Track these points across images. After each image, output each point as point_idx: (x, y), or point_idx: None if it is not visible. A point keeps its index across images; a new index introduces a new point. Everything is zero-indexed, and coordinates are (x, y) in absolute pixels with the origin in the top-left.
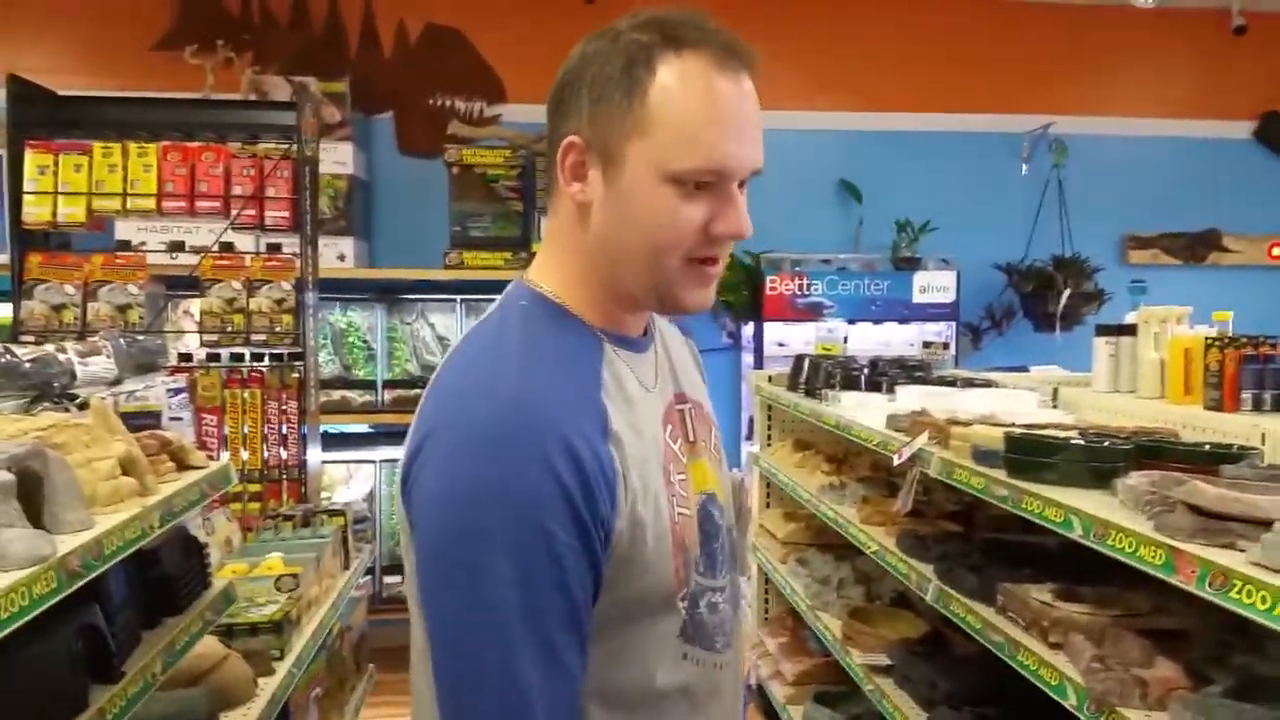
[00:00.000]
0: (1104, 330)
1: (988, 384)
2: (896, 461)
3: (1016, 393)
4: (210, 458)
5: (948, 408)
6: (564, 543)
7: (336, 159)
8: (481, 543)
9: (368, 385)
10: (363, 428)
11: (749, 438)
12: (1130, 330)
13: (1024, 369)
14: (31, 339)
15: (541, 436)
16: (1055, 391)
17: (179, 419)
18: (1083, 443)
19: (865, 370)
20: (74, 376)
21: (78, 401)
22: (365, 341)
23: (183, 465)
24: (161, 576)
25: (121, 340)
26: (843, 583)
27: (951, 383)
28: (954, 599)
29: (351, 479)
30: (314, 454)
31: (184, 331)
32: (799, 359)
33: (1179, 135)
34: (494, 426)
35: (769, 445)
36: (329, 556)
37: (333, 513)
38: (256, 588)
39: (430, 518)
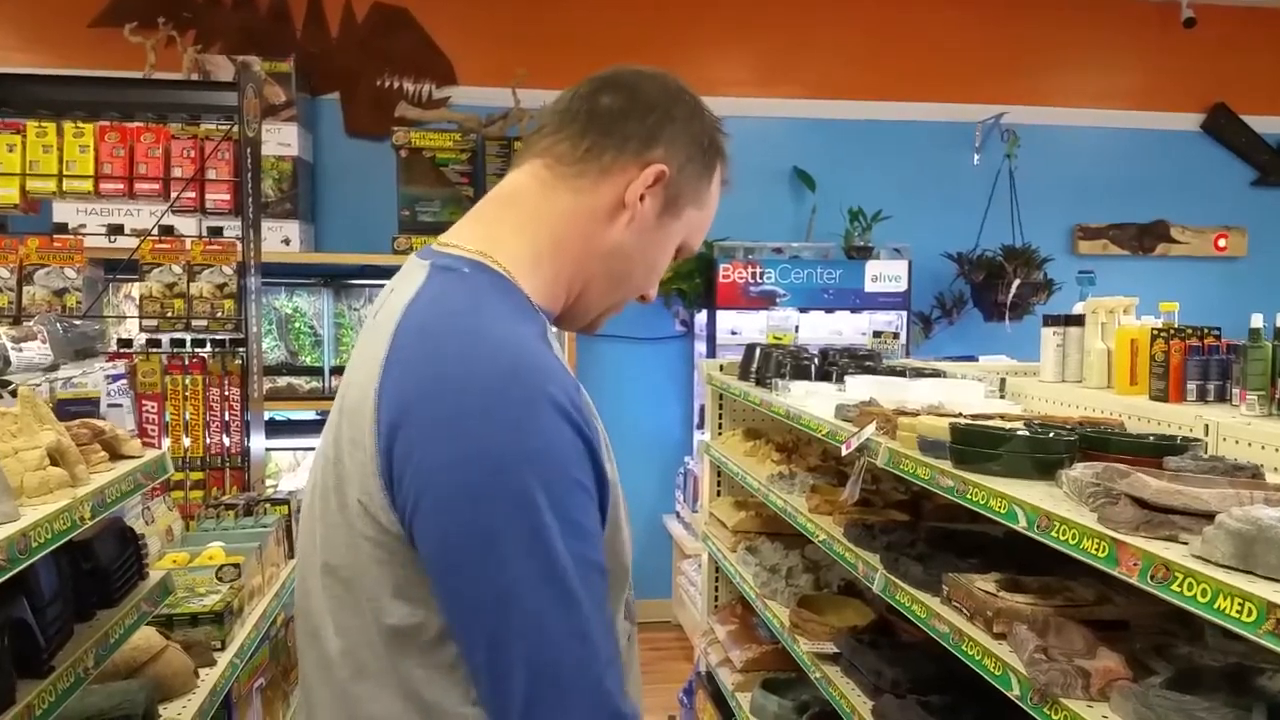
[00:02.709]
0: (1051, 320)
1: (936, 374)
2: (844, 451)
3: (964, 383)
4: (150, 445)
5: (896, 398)
6: (591, 494)
7: (281, 140)
8: (524, 502)
9: (314, 372)
10: (310, 414)
11: (700, 426)
12: (1078, 320)
13: (973, 358)
14: None
15: (550, 389)
16: (1003, 382)
17: (118, 406)
18: (1027, 434)
19: (815, 360)
20: (8, 363)
21: (10, 388)
22: (312, 327)
23: (116, 454)
24: (94, 569)
25: (58, 325)
26: (791, 571)
27: (901, 373)
28: (900, 588)
29: (298, 466)
30: (257, 441)
31: (123, 316)
32: (750, 348)
33: (1129, 127)
34: (501, 381)
35: (719, 434)
36: (271, 546)
37: (276, 501)
38: (197, 577)
39: (457, 490)
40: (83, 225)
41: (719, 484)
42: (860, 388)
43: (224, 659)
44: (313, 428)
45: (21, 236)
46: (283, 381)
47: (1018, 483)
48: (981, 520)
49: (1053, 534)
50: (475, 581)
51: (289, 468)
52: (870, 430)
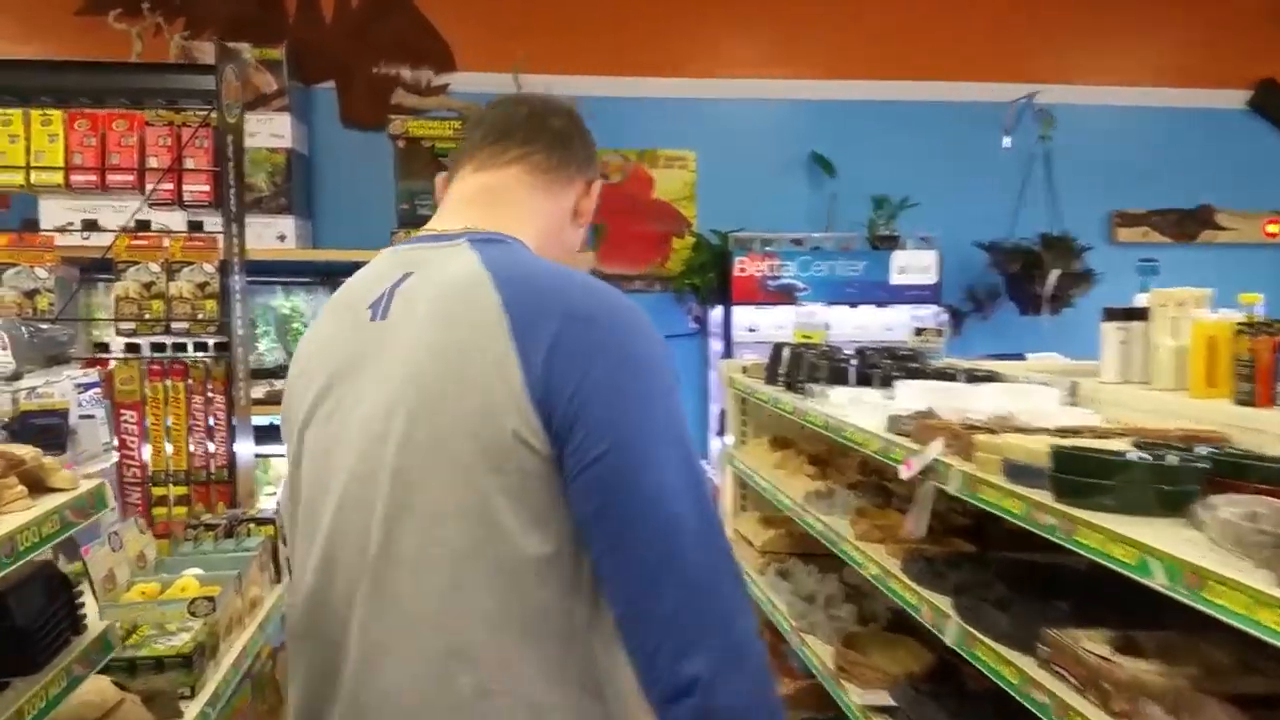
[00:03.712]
0: (1113, 314)
1: (991, 377)
2: (905, 474)
3: (1032, 388)
4: (130, 458)
5: (957, 407)
6: None
7: (274, 131)
8: (674, 400)
9: None
10: None
11: (720, 433)
12: (1141, 314)
13: (1019, 356)
14: None
15: None
16: (1075, 387)
17: (90, 417)
18: (1149, 460)
19: (854, 361)
20: None
21: None
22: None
23: (43, 488)
24: (9, 629)
25: (23, 329)
26: (831, 600)
27: (951, 376)
28: (981, 643)
29: None
30: (244, 452)
31: (93, 319)
32: (778, 348)
33: (1170, 105)
34: (629, 308)
35: (743, 442)
36: (254, 571)
37: (261, 521)
38: (168, 612)
39: (626, 393)
40: (71, 223)
41: (743, 498)
42: (912, 395)
43: (193, 709)
44: None
45: None
46: (280, 384)
47: (1137, 521)
48: (1057, 546)
49: (1207, 596)
50: (651, 484)
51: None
52: (937, 449)
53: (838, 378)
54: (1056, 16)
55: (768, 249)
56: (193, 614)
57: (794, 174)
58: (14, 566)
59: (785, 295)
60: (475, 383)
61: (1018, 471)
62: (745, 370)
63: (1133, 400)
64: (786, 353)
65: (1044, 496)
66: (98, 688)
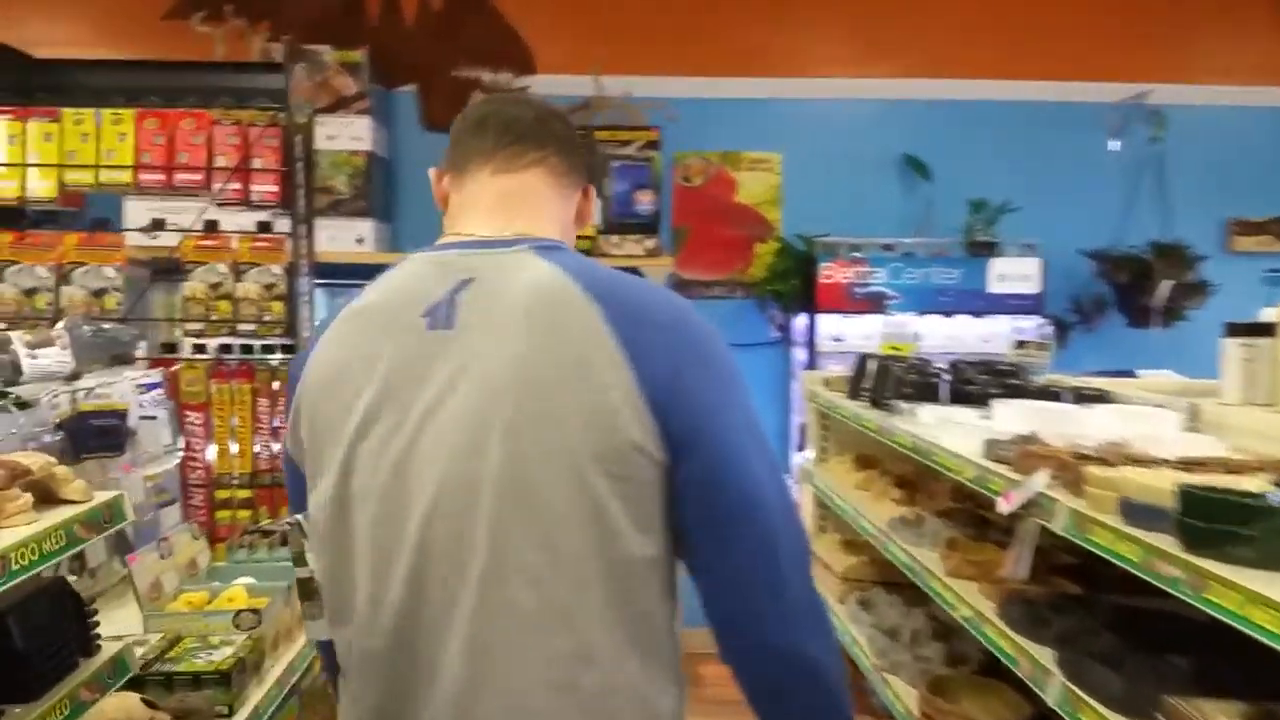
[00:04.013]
0: (1237, 330)
1: (1101, 396)
2: (1003, 508)
3: (1147, 410)
4: (194, 460)
5: (1065, 432)
6: None
7: (353, 134)
8: (752, 410)
9: None
10: None
11: (801, 448)
12: (1269, 330)
13: (1129, 373)
14: (3, 326)
15: None
16: (1195, 409)
17: (151, 418)
18: None
19: (947, 377)
20: (19, 371)
21: (14, 399)
22: None
23: (54, 500)
24: (4, 652)
25: (85, 328)
26: (917, 637)
27: (1056, 394)
28: (1088, 706)
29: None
30: None
31: (156, 319)
32: (862, 360)
33: None
34: (703, 321)
35: (824, 460)
36: None
37: None
38: (212, 624)
39: (723, 401)
40: (165, 219)
41: (823, 519)
42: (1013, 416)
43: None
44: None
45: (60, 231)
46: None
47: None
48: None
49: None
50: (745, 476)
51: None
52: (1041, 482)
53: (928, 394)
54: (1169, 11)
55: (855, 255)
56: (237, 627)
57: (885, 177)
58: (11, 585)
59: (874, 303)
60: (587, 392)
61: (1136, 512)
62: (827, 383)
63: (1261, 426)
64: (872, 365)
65: (1168, 543)
66: (124, 705)
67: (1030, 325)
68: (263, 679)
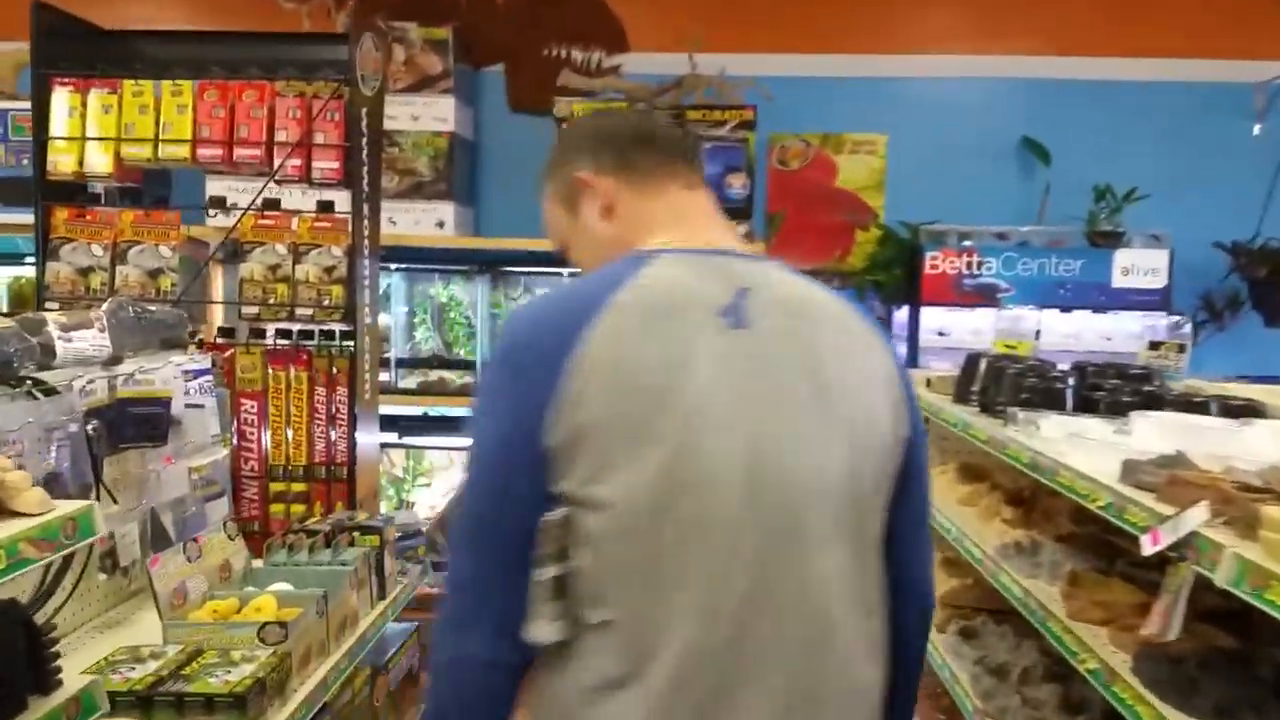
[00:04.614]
0: None
1: (1252, 408)
2: (1149, 549)
3: None
4: (248, 451)
5: (1219, 453)
6: None
7: (436, 114)
8: None
9: (468, 365)
10: (463, 411)
11: None
12: None
13: (1274, 379)
14: (57, 306)
15: None
16: None
17: (198, 406)
18: None
19: (1071, 380)
20: (52, 355)
21: (30, 385)
22: (467, 318)
23: (3, 512)
24: None
25: (130, 310)
26: (1028, 676)
27: (1204, 405)
28: None
29: (451, 465)
30: (367, 446)
31: (208, 302)
32: (972, 360)
33: None
34: None
35: None
36: (347, 590)
37: (366, 529)
38: (236, 636)
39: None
40: (216, 200)
41: None
42: (1154, 432)
43: None
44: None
45: (116, 209)
46: (434, 375)
47: None
48: None
49: None
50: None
51: (443, 466)
52: (1198, 518)
53: (1051, 401)
54: None
55: (966, 244)
56: (262, 640)
57: (1000, 161)
58: None
59: (984, 296)
60: (885, 393)
61: None
62: (930, 384)
63: None
64: (983, 365)
65: None
66: None
67: (1160, 323)
68: (287, 700)
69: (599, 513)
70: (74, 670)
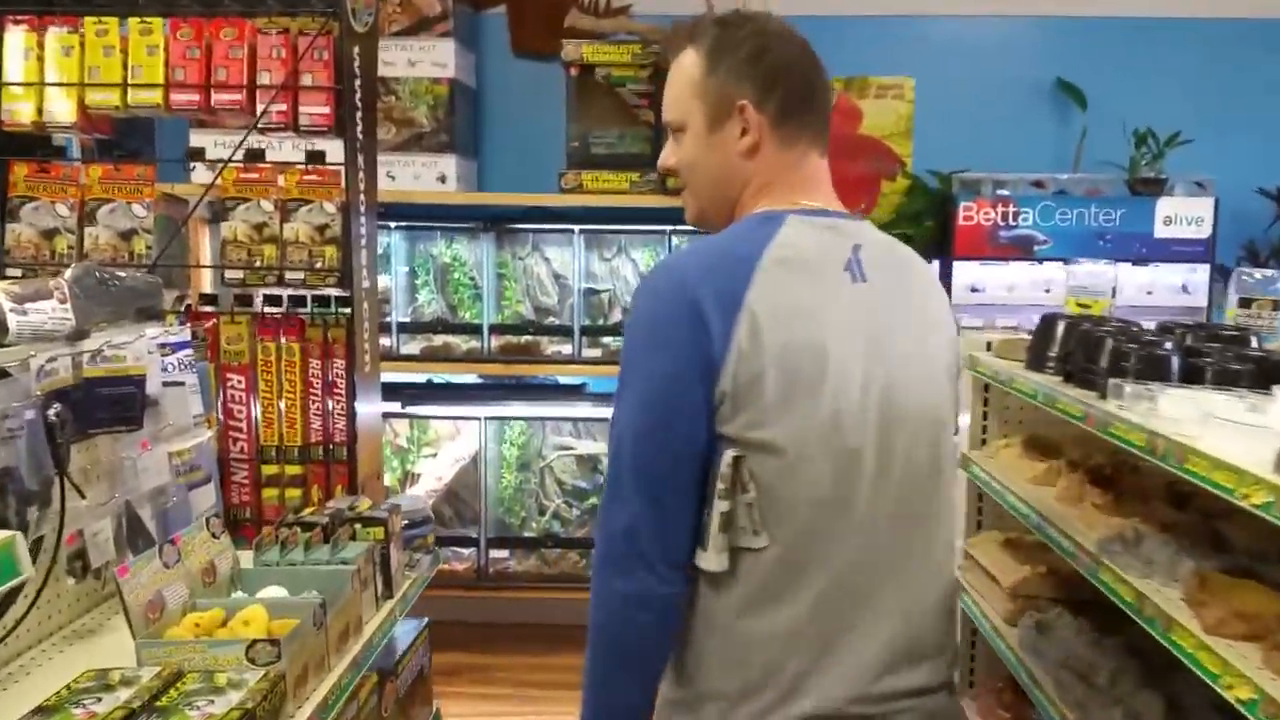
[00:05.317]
0: None
1: None
2: None
3: None
4: (237, 431)
5: None
6: None
7: (435, 59)
8: None
9: (474, 330)
10: (470, 378)
11: None
12: None
13: None
14: (19, 272)
15: None
16: None
17: (178, 384)
18: None
19: (1168, 346)
20: (3, 330)
21: None
22: (472, 279)
23: None
24: None
25: (97, 277)
26: (1118, 679)
27: None
28: None
29: (458, 435)
30: (368, 420)
31: (185, 266)
32: (1049, 321)
33: None
34: None
35: (982, 442)
36: (350, 592)
37: (370, 521)
38: (220, 657)
39: None
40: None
41: (980, 514)
42: None
43: None
44: (475, 393)
45: (80, 163)
46: (439, 340)
47: None
48: None
49: None
50: None
51: (449, 436)
52: None
53: (1154, 371)
54: None
55: (1001, 193)
56: (252, 661)
57: (1034, 105)
58: None
59: (1021, 249)
60: (947, 337)
61: None
62: (992, 347)
63: None
64: (1062, 328)
65: None
66: None
67: (1198, 274)
68: None
69: (767, 454)
70: (34, 697)
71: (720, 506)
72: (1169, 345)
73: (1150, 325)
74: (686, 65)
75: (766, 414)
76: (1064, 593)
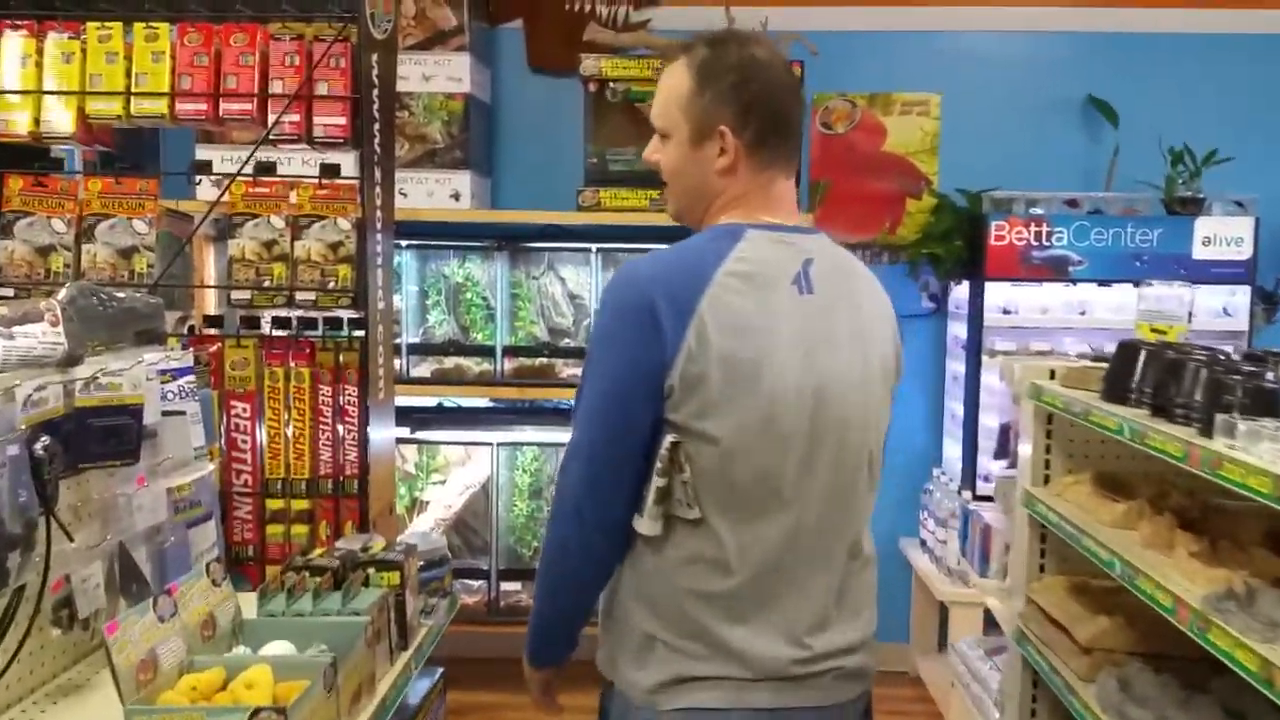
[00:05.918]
0: None
1: None
2: None
3: None
4: (241, 463)
5: None
6: None
7: (450, 74)
8: None
9: (486, 352)
10: (482, 401)
11: (1000, 456)
12: None
13: None
14: (10, 292)
15: None
16: None
17: (178, 413)
18: None
19: (1270, 377)
20: None
21: None
22: (485, 299)
23: None
24: None
25: (92, 298)
26: None
27: None
28: None
29: (469, 460)
30: (381, 452)
31: (188, 286)
32: (1128, 349)
33: None
34: None
35: (1046, 480)
36: (362, 648)
37: (385, 565)
38: None
39: None
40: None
41: (1043, 556)
42: None
43: None
44: (487, 417)
45: (79, 176)
46: (450, 363)
47: None
48: None
49: None
50: None
51: (459, 462)
52: None
53: (1262, 406)
54: None
55: (1034, 211)
56: None
57: (1064, 122)
58: None
59: (1055, 270)
60: (893, 344)
61: None
62: (1055, 376)
63: None
64: (1143, 356)
65: None
66: None
67: (1239, 299)
68: None
69: (704, 442)
70: None
71: (657, 482)
72: (1271, 376)
73: (1231, 351)
74: (677, 80)
75: (707, 409)
76: (1145, 645)
